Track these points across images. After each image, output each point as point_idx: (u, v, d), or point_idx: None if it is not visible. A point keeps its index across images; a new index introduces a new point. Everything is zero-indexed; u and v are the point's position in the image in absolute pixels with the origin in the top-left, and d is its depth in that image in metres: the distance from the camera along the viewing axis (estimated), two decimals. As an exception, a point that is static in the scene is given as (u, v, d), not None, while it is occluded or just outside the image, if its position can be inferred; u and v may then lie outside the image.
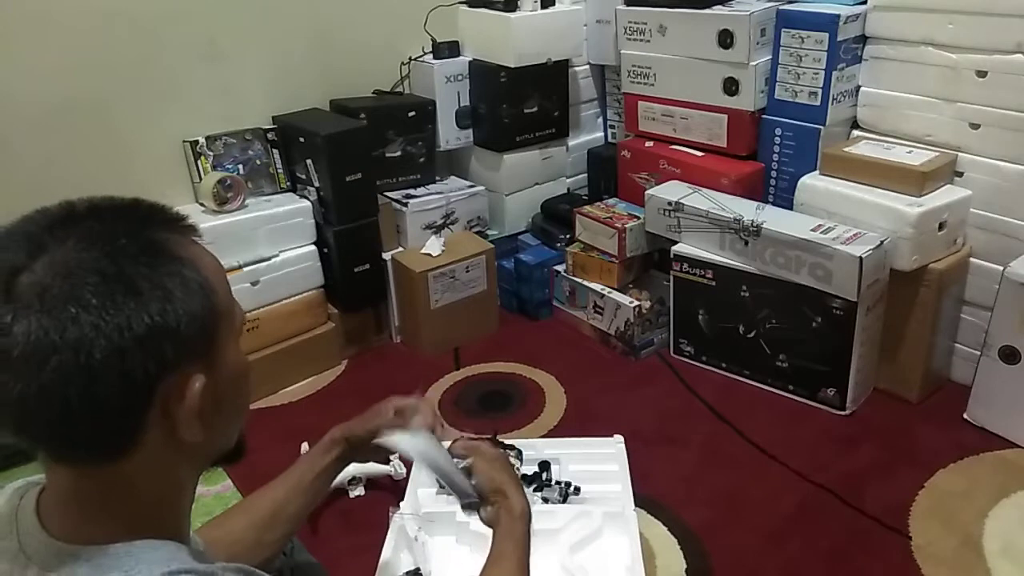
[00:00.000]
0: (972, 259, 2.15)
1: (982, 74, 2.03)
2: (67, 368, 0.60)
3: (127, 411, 0.64)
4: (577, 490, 1.59)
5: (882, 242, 2.03)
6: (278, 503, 1.06)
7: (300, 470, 1.10)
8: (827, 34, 2.18)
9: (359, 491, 1.93)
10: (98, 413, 0.62)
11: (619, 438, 1.71)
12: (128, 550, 0.66)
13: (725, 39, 2.33)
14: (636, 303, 2.44)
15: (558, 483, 1.60)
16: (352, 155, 2.35)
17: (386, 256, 2.55)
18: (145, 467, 0.67)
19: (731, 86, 2.38)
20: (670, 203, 2.37)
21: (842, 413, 2.17)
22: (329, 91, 2.56)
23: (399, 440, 1.09)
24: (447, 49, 2.63)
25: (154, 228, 0.67)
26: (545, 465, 1.59)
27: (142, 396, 0.64)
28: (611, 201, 2.66)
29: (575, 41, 2.73)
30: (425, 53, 2.67)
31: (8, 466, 1.79)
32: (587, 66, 2.87)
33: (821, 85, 2.24)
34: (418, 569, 1.42)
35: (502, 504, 1.04)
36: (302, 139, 2.36)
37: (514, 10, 2.54)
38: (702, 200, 2.33)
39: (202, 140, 2.33)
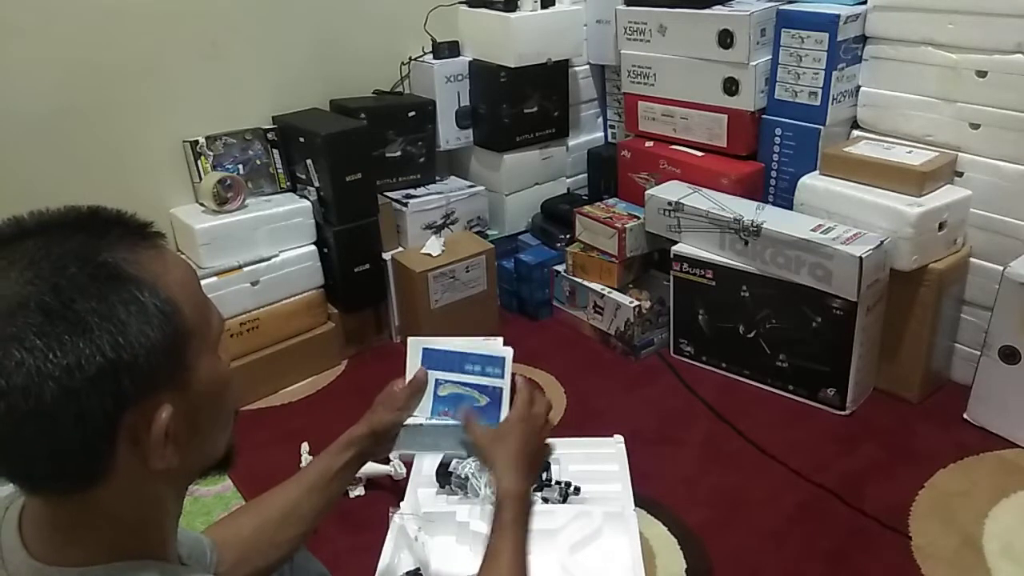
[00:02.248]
0: (972, 259, 2.15)
1: (982, 74, 2.03)
2: (17, 413, 0.57)
3: (89, 449, 0.60)
4: (577, 490, 1.59)
5: (882, 242, 2.03)
6: (291, 502, 1.04)
7: (316, 469, 1.07)
8: (827, 34, 2.18)
9: (359, 491, 1.92)
10: (58, 453, 0.60)
11: (619, 438, 1.71)
12: (108, 573, 0.65)
13: (725, 39, 2.33)
14: (636, 303, 2.44)
15: (558, 483, 1.61)
16: (352, 155, 2.35)
17: (386, 256, 2.55)
18: (121, 492, 0.64)
19: (731, 86, 2.38)
20: (670, 203, 2.37)
21: (842, 413, 2.17)
22: (329, 91, 2.56)
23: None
24: (447, 49, 2.63)
25: (110, 247, 0.62)
26: (545, 465, 1.59)
27: (103, 433, 0.60)
28: (611, 201, 2.66)
29: (575, 41, 2.73)
30: (425, 53, 2.67)
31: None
32: (587, 66, 2.87)
33: (821, 85, 2.24)
34: (418, 569, 1.43)
35: (493, 484, 0.99)
36: (302, 139, 2.36)
37: (514, 10, 2.54)
38: (702, 200, 2.33)
39: (202, 140, 2.33)
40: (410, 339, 1.12)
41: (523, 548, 0.95)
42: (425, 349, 1.11)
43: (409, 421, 1.10)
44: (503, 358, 1.08)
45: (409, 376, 1.11)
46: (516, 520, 0.96)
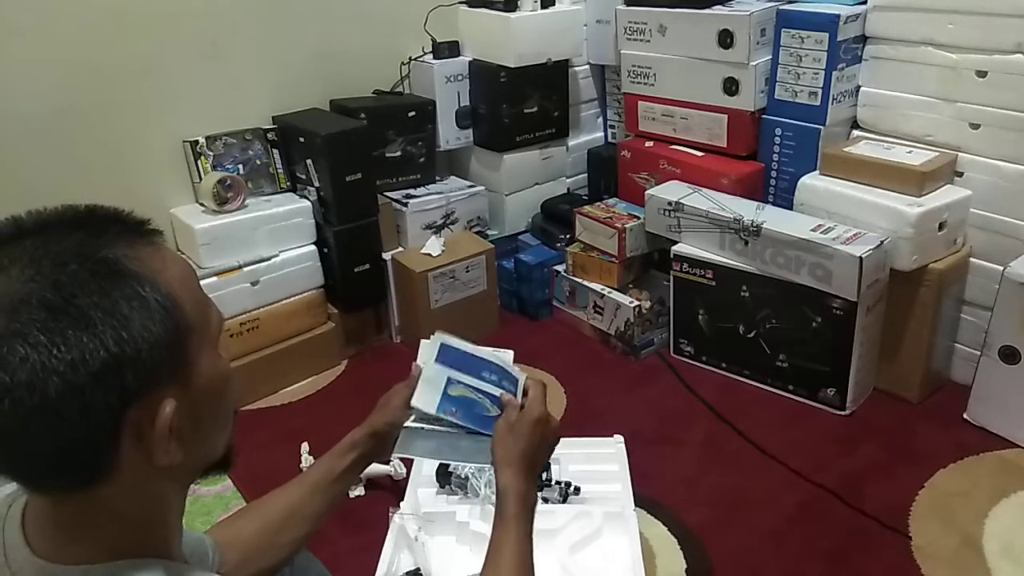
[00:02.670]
0: (972, 259, 2.15)
1: (982, 74, 2.03)
2: (21, 409, 0.57)
3: (93, 445, 0.60)
4: (577, 490, 1.59)
5: (882, 242, 2.03)
6: (293, 505, 1.04)
7: (318, 472, 1.07)
8: (827, 34, 2.18)
9: (359, 491, 1.92)
10: (62, 450, 0.59)
11: (619, 438, 1.71)
12: (112, 571, 0.65)
13: (725, 39, 2.33)
14: (636, 303, 2.44)
15: (558, 483, 1.60)
16: (352, 155, 2.35)
17: (386, 256, 2.55)
18: (125, 490, 0.64)
19: (731, 86, 2.38)
20: (670, 203, 2.37)
21: (842, 413, 2.17)
22: (329, 91, 2.56)
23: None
24: (447, 49, 2.63)
25: (109, 244, 0.62)
26: (545, 465, 1.59)
27: (107, 429, 0.60)
28: (611, 201, 2.66)
29: (575, 41, 2.73)
30: (425, 53, 2.67)
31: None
32: (587, 66, 2.87)
33: (821, 85, 2.24)
34: (418, 569, 1.43)
35: (495, 479, 0.99)
36: (302, 139, 2.36)
37: (514, 10, 2.54)
38: (702, 200, 2.33)
39: (202, 140, 2.33)
40: (423, 342, 1.09)
41: (527, 542, 0.94)
42: (443, 345, 1.06)
43: (409, 423, 1.08)
44: (518, 379, 1.05)
45: None
46: (519, 515, 0.95)
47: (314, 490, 1.05)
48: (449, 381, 1.05)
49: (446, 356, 1.06)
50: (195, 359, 0.66)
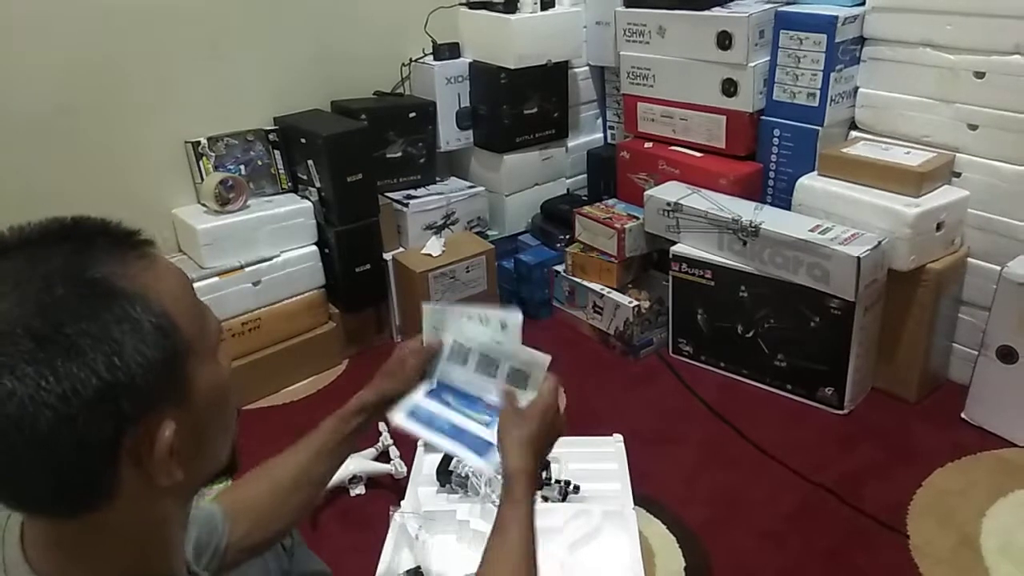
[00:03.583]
0: (970, 259, 2.16)
1: (980, 75, 2.03)
2: (12, 443, 0.55)
3: (90, 475, 0.58)
4: (577, 489, 1.60)
5: (880, 242, 2.03)
6: (301, 468, 1.05)
7: (324, 435, 1.08)
8: (825, 35, 2.19)
9: (359, 490, 1.93)
10: (58, 481, 0.57)
11: (618, 437, 1.72)
12: None
13: (724, 40, 2.34)
14: (635, 303, 2.44)
15: (557, 482, 1.61)
16: (353, 156, 2.36)
17: (387, 256, 2.55)
18: (125, 512, 0.61)
19: (730, 87, 2.39)
20: (669, 204, 2.38)
21: (840, 413, 2.18)
22: (330, 92, 2.57)
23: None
24: (447, 50, 2.64)
25: (97, 260, 0.59)
26: (545, 464, 1.60)
27: (104, 458, 0.58)
28: (610, 202, 2.67)
29: (575, 43, 2.74)
30: (426, 54, 2.67)
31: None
32: (587, 67, 2.88)
33: (819, 86, 2.24)
34: (418, 568, 1.43)
35: (503, 460, 1.00)
36: (303, 140, 2.37)
37: (514, 12, 2.55)
38: (701, 201, 2.34)
39: (204, 141, 2.34)
40: (424, 307, 1.14)
41: (532, 523, 0.95)
42: (415, 407, 1.12)
43: (419, 398, 1.11)
44: (529, 373, 1.11)
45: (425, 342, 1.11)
46: (526, 496, 0.96)
47: (320, 453, 1.07)
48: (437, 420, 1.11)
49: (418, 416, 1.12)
50: (193, 376, 0.63)
